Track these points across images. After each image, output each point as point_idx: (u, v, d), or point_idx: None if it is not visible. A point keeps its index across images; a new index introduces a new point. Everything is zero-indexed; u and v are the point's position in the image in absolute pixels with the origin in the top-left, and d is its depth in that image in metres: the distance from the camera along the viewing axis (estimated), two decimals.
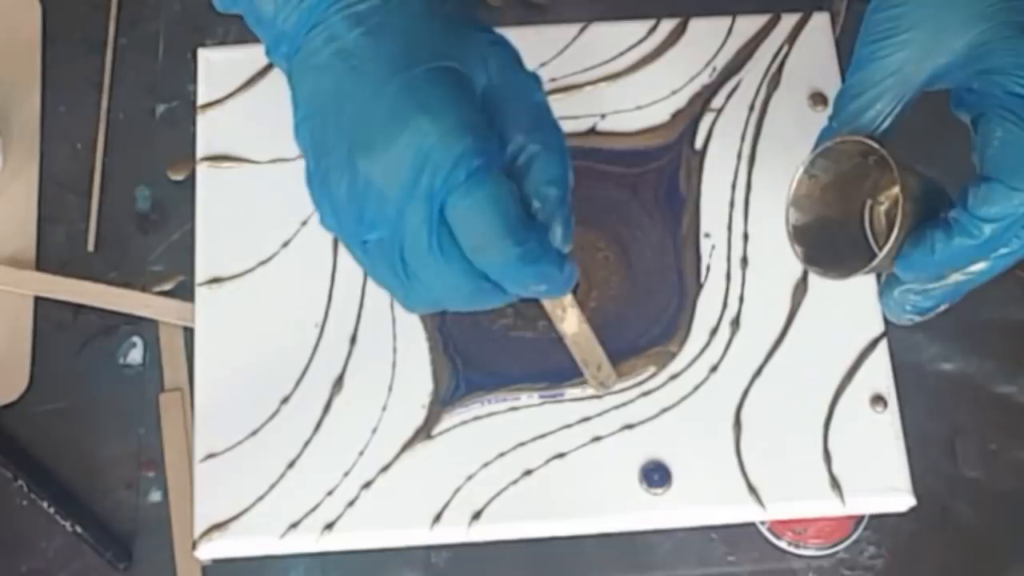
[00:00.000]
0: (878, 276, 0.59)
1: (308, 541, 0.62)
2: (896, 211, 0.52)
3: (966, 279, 0.54)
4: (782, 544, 0.70)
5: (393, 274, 0.51)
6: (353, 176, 0.49)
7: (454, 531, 0.62)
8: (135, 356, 0.74)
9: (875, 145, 0.53)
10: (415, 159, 0.48)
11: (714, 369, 0.65)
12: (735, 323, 0.66)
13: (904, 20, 0.54)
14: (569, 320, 0.56)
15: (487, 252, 0.49)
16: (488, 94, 0.51)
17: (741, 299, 0.67)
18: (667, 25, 0.72)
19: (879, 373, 0.65)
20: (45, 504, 0.70)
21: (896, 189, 0.52)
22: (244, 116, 0.71)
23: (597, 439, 0.64)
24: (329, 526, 0.62)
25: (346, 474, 0.63)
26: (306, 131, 0.52)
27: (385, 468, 0.63)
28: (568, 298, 0.55)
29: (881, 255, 0.52)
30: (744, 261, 0.67)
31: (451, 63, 0.50)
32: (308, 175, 0.52)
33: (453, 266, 0.49)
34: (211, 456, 0.64)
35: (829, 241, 0.56)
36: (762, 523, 0.70)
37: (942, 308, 0.56)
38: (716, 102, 0.70)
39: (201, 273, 0.67)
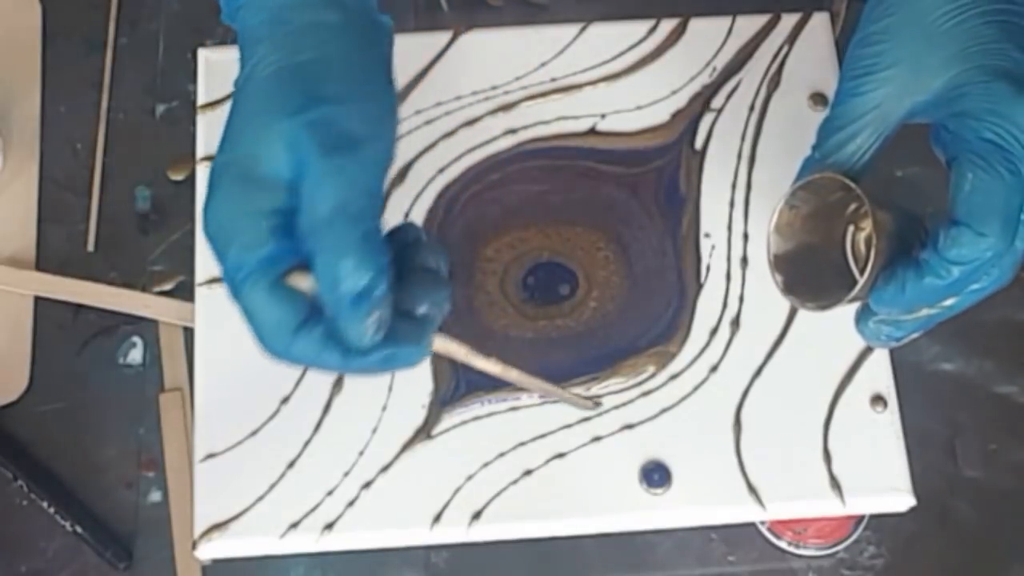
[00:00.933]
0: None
1: (308, 541, 0.62)
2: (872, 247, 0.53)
3: (937, 312, 0.55)
4: (782, 544, 0.70)
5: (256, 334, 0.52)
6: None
7: (454, 531, 0.62)
8: (135, 356, 0.74)
9: (851, 184, 0.54)
10: (219, 250, 0.50)
11: (714, 369, 0.65)
12: (735, 323, 0.66)
13: (885, 57, 0.55)
14: (487, 365, 0.56)
15: (280, 349, 0.50)
16: (297, 180, 0.50)
17: (741, 299, 0.67)
18: (667, 25, 0.72)
19: (879, 373, 0.65)
20: (45, 504, 0.70)
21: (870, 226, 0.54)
22: None
23: (597, 439, 0.64)
24: (329, 526, 0.62)
25: (346, 474, 0.63)
26: None
27: (385, 468, 0.63)
28: (459, 354, 0.54)
29: (855, 291, 0.54)
30: (744, 261, 0.67)
31: (245, 152, 0.50)
32: None
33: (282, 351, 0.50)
34: (211, 456, 0.64)
35: (809, 270, 0.57)
36: (762, 523, 0.70)
37: (915, 336, 0.57)
38: (716, 102, 0.70)
39: (201, 273, 0.67)
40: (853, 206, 0.57)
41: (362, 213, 0.50)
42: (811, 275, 0.57)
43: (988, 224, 0.51)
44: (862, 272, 0.53)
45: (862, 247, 0.57)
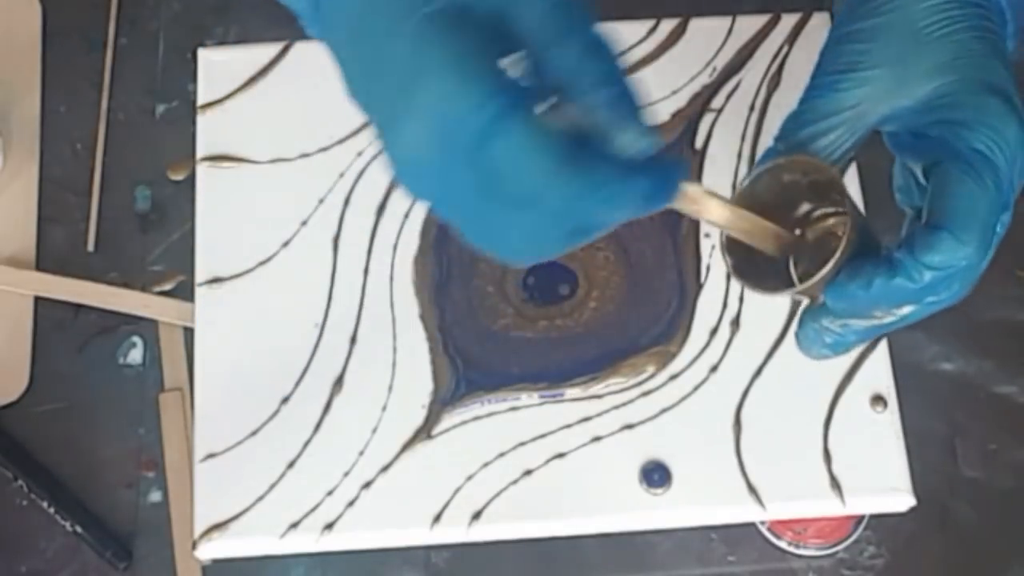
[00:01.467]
0: (798, 304, 0.58)
1: (308, 541, 0.62)
2: (829, 241, 0.52)
3: (889, 321, 0.53)
4: (782, 544, 0.70)
5: (481, 241, 0.46)
6: (392, 157, 0.46)
7: (454, 531, 0.62)
8: (135, 356, 0.74)
9: (830, 170, 0.52)
10: (436, 122, 0.43)
11: (714, 369, 0.65)
12: (735, 323, 0.66)
13: (870, 57, 0.54)
14: (710, 211, 0.50)
15: (548, 198, 0.43)
16: (504, 6, 0.45)
17: (741, 299, 0.67)
18: (667, 25, 0.72)
19: (879, 373, 0.65)
20: (45, 504, 0.70)
21: (831, 221, 0.52)
22: (244, 116, 0.71)
23: (597, 439, 0.64)
24: (329, 526, 0.62)
25: (346, 474, 0.63)
26: (353, 98, 0.48)
27: (385, 468, 0.63)
28: (694, 192, 0.48)
29: (815, 278, 0.51)
30: None
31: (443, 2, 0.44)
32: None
33: (527, 220, 0.44)
34: (211, 456, 0.64)
35: (758, 259, 0.55)
36: (762, 523, 0.70)
37: (854, 348, 0.55)
38: (716, 102, 0.70)
39: (201, 273, 0.68)
40: (805, 207, 0.55)
41: (577, 9, 0.45)
42: (757, 265, 0.54)
43: (970, 232, 0.50)
44: (810, 273, 0.51)
45: (807, 250, 0.54)
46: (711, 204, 0.49)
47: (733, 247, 0.54)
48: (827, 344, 0.55)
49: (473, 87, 0.42)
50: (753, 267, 0.54)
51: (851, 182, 0.68)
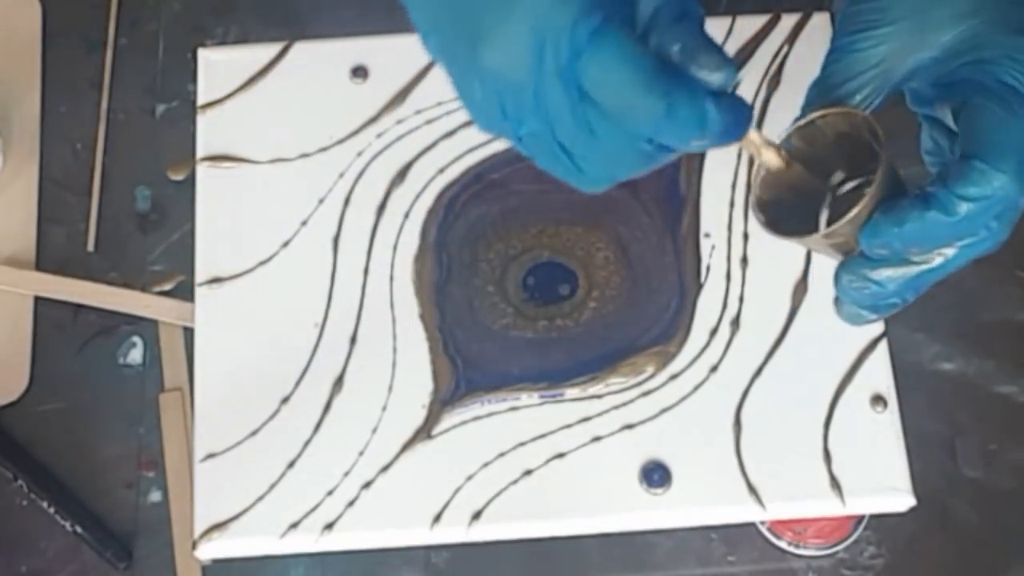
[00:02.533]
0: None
1: (308, 541, 0.62)
2: (865, 190, 0.50)
3: (929, 266, 0.52)
4: (782, 544, 0.70)
5: (557, 162, 0.48)
6: (483, 75, 0.47)
7: (454, 531, 0.62)
8: (135, 356, 0.74)
9: (863, 114, 0.52)
10: (532, 36, 0.45)
11: (714, 369, 0.65)
12: (735, 323, 0.66)
13: (888, 13, 0.53)
14: (767, 157, 0.52)
15: (634, 115, 0.45)
16: None
17: (741, 299, 0.67)
18: None
19: (879, 373, 0.65)
20: (45, 504, 0.70)
21: (870, 169, 0.51)
22: (244, 116, 0.71)
23: (597, 439, 0.64)
24: (329, 526, 0.62)
25: (346, 474, 0.63)
26: (432, 44, 0.49)
27: (385, 468, 0.63)
28: (757, 139, 0.51)
29: (850, 215, 0.50)
30: (744, 261, 0.67)
31: None
32: (455, 87, 0.50)
33: (608, 138, 0.46)
34: (211, 456, 0.64)
35: (788, 217, 0.54)
36: (762, 523, 0.70)
37: (895, 310, 0.53)
38: None
39: (201, 273, 0.68)
40: (842, 164, 0.54)
41: None
42: (792, 216, 0.53)
43: (1005, 160, 0.49)
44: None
45: (844, 206, 0.53)
46: (768, 152, 0.51)
47: (763, 205, 0.53)
48: (867, 299, 0.53)
49: (570, 1, 0.44)
50: (784, 223, 0.53)
51: None
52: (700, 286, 0.67)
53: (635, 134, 0.46)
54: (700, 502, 0.63)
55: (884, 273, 0.52)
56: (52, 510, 0.70)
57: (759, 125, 0.70)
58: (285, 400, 0.65)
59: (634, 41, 0.45)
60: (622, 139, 0.46)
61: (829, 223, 0.53)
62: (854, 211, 0.50)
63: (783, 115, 0.70)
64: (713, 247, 0.68)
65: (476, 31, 0.46)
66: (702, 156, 0.69)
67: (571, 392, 0.65)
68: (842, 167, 0.54)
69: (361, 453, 0.64)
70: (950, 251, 0.51)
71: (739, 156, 0.69)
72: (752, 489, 0.63)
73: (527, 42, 0.45)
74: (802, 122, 0.53)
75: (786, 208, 0.53)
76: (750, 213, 0.68)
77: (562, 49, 0.44)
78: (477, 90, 0.47)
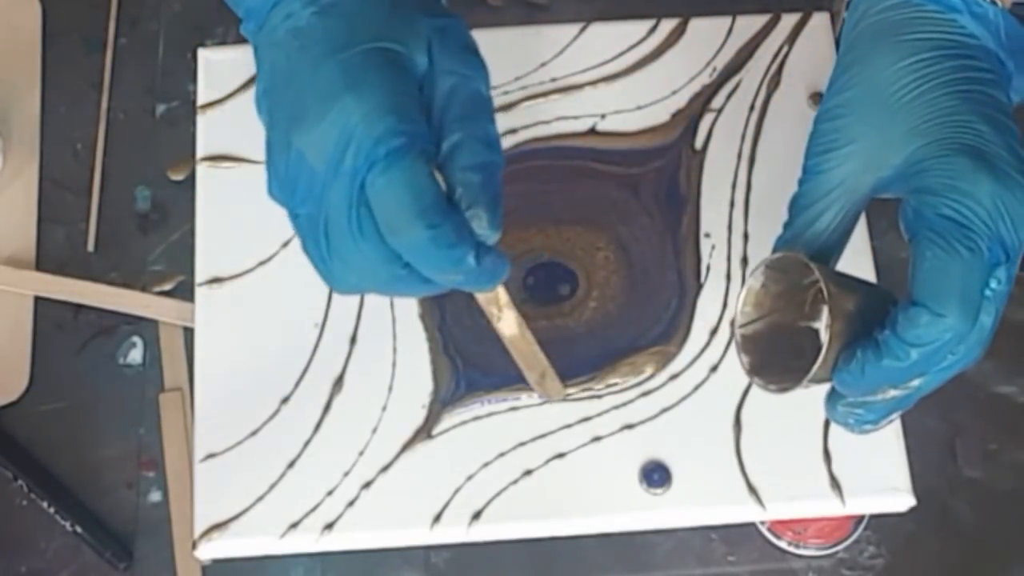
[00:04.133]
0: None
1: (308, 541, 0.62)
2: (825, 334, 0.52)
3: (905, 393, 0.53)
4: (782, 544, 0.70)
5: (317, 250, 0.52)
6: (289, 150, 0.51)
7: (454, 531, 0.62)
8: (135, 356, 0.74)
9: (810, 264, 0.53)
10: (340, 136, 0.49)
11: (714, 369, 0.65)
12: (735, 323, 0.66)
13: (846, 132, 0.54)
14: (506, 321, 0.57)
15: (400, 233, 0.49)
16: (427, 79, 0.51)
17: None
18: (667, 25, 0.72)
19: None
20: (45, 504, 0.70)
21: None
22: (244, 116, 0.70)
23: (597, 439, 0.64)
24: (329, 526, 0.62)
25: (346, 474, 0.63)
26: (264, 104, 0.53)
27: (385, 468, 0.63)
28: (503, 297, 0.56)
29: (811, 373, 0.52)
30: (744, 261, 0.67)
31: (390, 45, 0.51)
32: (265, 145, 0.53)
33: (370, 247, 0.50)
34: (211, 456, 0.64)
35: (777, 351, 0.55)
36: (762, 523, 0.70)
37: (893, 418, 0.55)
38: (716, 102, 0.70)
39: (201, 273, 0.68)
40: (813, 304, 0.56)
41: (488, 107, 0.53)
42: (778, 356, 0.55)
43: (946, 305, 0.50)
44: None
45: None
46: (509, 314, 0.57)
47: (748, 345, 0.55)
48: (855, 422, 0.55)
49: (391, 116, 0.49)
50: (769, 364, 0.55)
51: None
52: (700, 286, 0.67)
53: (393, 254, 0.50)
54: (700, 502, 0.63)
55: (865, 403, 0.54)
56: (52, 510, 0.70)
57: (759, 125, 0.70)
58: (285, 400, 0.65)
59: (425, 173, 0.49)
60: (382, 254, 0.50)
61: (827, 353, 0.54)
62: (818, 361, 0.52)
63: (783, 115, 0.70)
64: (713, 247, 0.68)
65: (299, 114, 0.50)
66: (702, 156, 0.69)
67: (571, 392, 0.65)
68: (814, 296, 0.56)
69: (361, 453, 0.64)
70: (922, 380, 0.52)
71: (739, 156, 0.69)
72: (752, 489, 0.63)
73: (333, 141, 0.49)
74: (767, 260, 0.55)
75: (770, 336, 0.56)
76: (750, 214, 0.68)
77: (359, 158, 0.49)
78: (282, 162, 0.51)
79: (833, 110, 0.55)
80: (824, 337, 0.52)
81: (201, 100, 0.71)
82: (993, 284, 0.51)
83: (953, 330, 0.50)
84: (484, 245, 0.50)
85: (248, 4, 0.54)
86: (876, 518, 0.70)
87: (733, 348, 0.65)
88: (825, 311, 0.53)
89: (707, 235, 0.68)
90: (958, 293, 0.50)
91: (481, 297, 0.56)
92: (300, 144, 0.50)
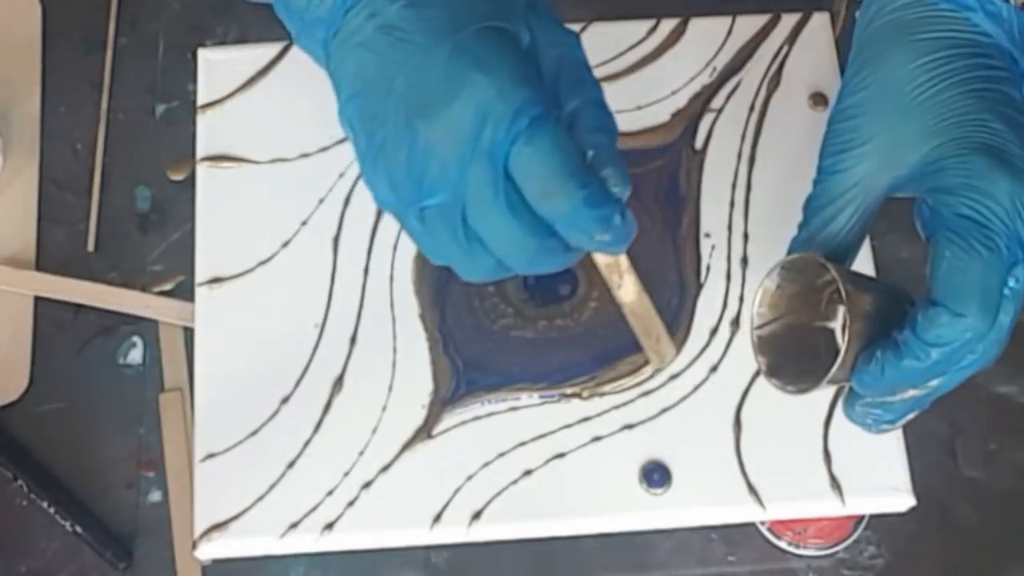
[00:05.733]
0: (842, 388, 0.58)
1: (308, 541, 0.62)
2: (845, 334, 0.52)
3: (925, 393, 0.53)
4: (782, 544, 0.70)
5: (454, 239, 0.50)
6: (412, 142, 0.49)
7: (454, 531, 0.62)
8: (135, 356, 0.74)
9: (826, 264, 0.53)
10: (475, 115, 0.48)
11: (714, 369, 0.65)
12: (735, 323, 0.66)
13: (861, 132, 0.54)
14: (627, 287, 0.55)
15: (553, 198, 0.48)
16: (532, 53, 0.50)
17: (741, 299, 0.67)
18: (667, 25, 0.72)
19: None
20: (45, 504, 0.70)
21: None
22: (244, 116, 0.71)
23: (597, 439, 0.64)
24: (329, 526, 0.62)
25: (346, 474, 0.63)
26: (354, 109, 0.51)
27: (385, 468, 0.63)
28: (625, 262, 0.55)
29: (830, 374, 0.52)
30: (744, 261, 0.67)
31: (497, 23, 0.49)
32: (360, 154, 0.52)
33: (519, 220, 0.48)
34: (211, 456, 0.64)
35: (794, 352, 0.55)
36: (762, 523, 0.70)
37: (911, 417, 0.55)
38: (716, 102, 0.70)
39: (201, 273, 0.67)
40: (829, 304, 0.56)
41: (592, 73, 0.52)
42: (795, 357, 0.55)
43: (966, 304, 0.50)
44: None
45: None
46: (629, 278, 0.55)
47: (765, 347, 0.55)
48: (874, 422, 0.55)
49: (524, 87, 0.48)
50: (786, 366, 0.55)
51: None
52: (700, 286, 0.67)
53: (541, 224, 0.49)
54: (700, 502, 0.63)
55: (884, 403, 0.54)
56: (52, 510, 0.70)
57: (759, 125, 0.70)
58: (285, 400, 0.65)
59: (566, 136, 0.48)
60: (531, 226, 0.49)
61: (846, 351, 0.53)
62: (838, 362, 0.52)
63: (783, 115, 0.70)
64: (713, 247, 0.68)
65: (418, 103, 0.49)
66: (702, 156, 0.69)
67: (571, 392, 0.65)
68: (829, 297, 0.56)
69: (361, 453, 0.64)
70: (941, 379, 0.52)
71: (739, 156, 0.69)
72: (752, 489, 0.63)
73: (469, 121, 0.48)
74: (783, 261, 0.55)
75: (787, 337, 0.55)
76: (750, 214, 0.68)
77: (500, 132, 0.47)
78: (400, 158, 0.50)
79: (848, 110, 0.55)
80: (841, 338, 0.52)
81: (201, 100, 0.71)
82: (1012, 283, 0.51)
83: (973, 329, 0.50)
84: (621, 202, 0.50)
85: (314, 14, 0.52)
86: (876, 518, 0.70)
87: (733, 348, 0.65)
88: (841, 311, 0.53)
89: (707, 235, 0.68)
90: (978, 292, 0.50)
91: (604, 264, 0.55)
92: (427, 132, 0.49)
